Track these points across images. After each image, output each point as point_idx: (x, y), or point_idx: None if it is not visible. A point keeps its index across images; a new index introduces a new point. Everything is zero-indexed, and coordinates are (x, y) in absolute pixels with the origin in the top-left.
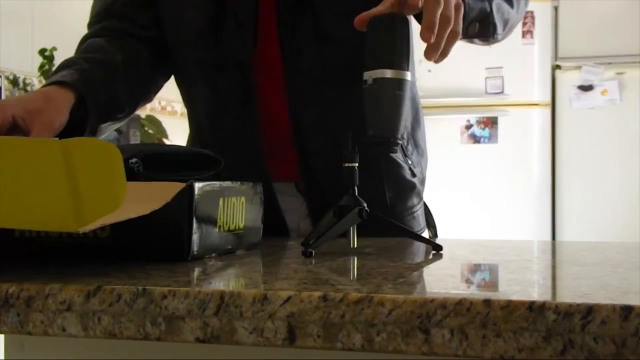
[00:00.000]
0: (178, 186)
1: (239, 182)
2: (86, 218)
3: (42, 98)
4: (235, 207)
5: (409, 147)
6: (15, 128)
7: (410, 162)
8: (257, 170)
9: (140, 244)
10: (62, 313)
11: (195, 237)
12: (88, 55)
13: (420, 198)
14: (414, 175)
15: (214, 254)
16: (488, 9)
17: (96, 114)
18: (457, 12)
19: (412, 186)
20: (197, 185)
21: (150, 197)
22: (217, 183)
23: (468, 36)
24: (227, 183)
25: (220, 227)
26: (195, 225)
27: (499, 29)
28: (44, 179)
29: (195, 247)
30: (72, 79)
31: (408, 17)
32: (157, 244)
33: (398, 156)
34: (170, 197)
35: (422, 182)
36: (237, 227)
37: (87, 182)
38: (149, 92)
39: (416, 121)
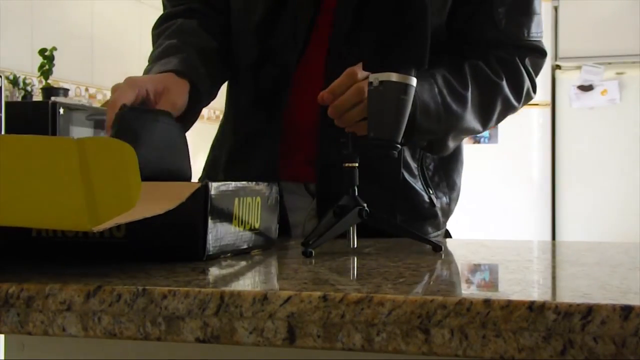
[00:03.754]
0: (193, 186)
1: (254, 182)
2: (100, 217)
3: (167, 80)
4: (251, 207)
5: (435, 178)
6: (144, 102)
7: (431, 191)
8: (269, 168)
9: (155, 244)
10: (62, 313)
11: (210, 236)
12: (189, 39)
13: (438, 228)
14: (432, 205)
15: (229, 254)
16: (441, 135)
17: (204, 99)
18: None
19: (431, 215)
20: (213, 185)
21: (165, 196)
22: (232, 183)
23: (417, 146)
24: (243, 183)
25: (235, 227)
26: (210, 225)
27: (451, 146)
28: (59, 177)
29: (210, 247)
30: (184, 68)
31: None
32: (173, 243)
33: (417, 183)
34: (185, 197)
35: (446, 214)
36: (252, 227)
37: (101, 181)
38: (226, 77)
39: (454, 157)
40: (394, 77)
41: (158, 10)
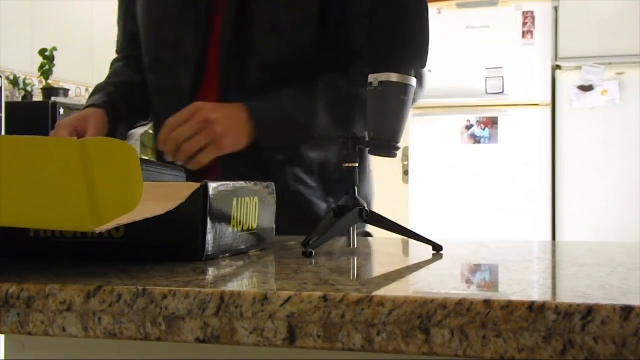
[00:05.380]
0: (192, 186)
1: (252, 182)
2: (103, 218)
3: (87, 113)
4: (249, 207)
5: (340, 187)
6: (78, 135)
7: (331, 200)
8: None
9: (154, 244)
10: (62, 313)
11: (209, 237)
12: (113, 79)
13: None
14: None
15: (227, 254)
16: (293, 142)
17: (121, 123)
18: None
19: None
20: (212, 185)
21: (165, 197)
22: (230, 183)
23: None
24: (241, 183)
25: (233, 227)
26: (209, 225)
27: (310, 151)
28: (62, 178)
29: (209, 247)
30: (100, 101)
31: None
32: (172, 244)
33: (314, 195)
34: (184, 197)
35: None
36: (250, 227)
37: (104, 182)
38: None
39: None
40: (393, 77)
41: None
